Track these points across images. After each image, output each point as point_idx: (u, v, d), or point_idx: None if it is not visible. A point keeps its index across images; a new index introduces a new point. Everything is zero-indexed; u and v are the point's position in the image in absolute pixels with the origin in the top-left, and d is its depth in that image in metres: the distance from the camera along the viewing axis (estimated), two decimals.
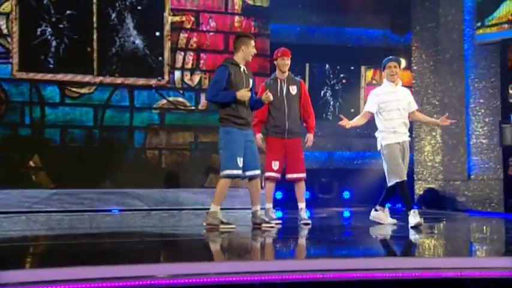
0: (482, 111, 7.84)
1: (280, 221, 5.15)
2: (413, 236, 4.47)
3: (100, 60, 7.08)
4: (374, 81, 8.61)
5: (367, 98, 5.27)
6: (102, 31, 7.10)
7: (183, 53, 7.40)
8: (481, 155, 7.80)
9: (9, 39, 6.80)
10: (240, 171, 4.74)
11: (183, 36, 7.42)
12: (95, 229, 5.39)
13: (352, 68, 8.59)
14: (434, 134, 8.24)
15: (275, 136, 5.15)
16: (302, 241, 4.47)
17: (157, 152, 7.28)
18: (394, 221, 5.20)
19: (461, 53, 7.92)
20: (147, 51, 7.30)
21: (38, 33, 6.91)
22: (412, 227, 4.79)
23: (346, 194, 8.41)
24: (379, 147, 5.12)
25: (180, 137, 7.29)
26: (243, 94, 4.70)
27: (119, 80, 7.15)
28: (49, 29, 6.96)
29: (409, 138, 5.14)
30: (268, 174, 5.18)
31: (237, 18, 7.63)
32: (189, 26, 7.43)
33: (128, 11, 7.23)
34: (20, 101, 6.84)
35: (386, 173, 5.06)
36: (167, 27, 7.37)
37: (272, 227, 4.86)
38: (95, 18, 7.08)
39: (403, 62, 8.47)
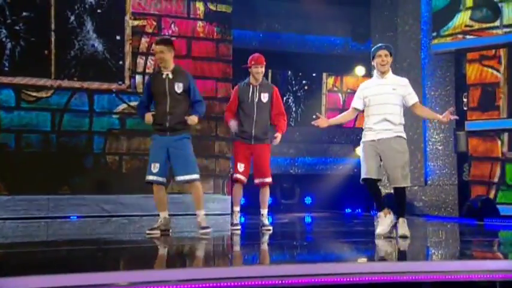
0: None
1: (239, 227, 5.13)
2: (373, 240, 4.52)
3: (58, 64, 6.91)
4: (335, 88, 8.74)
5: None
6: (60, 34, 6.93)
7: (144, 58, 7.31)
8: (437, 161, 8.02)
9: None
10: (155, 177, 4.72)
11: (144, 40, 7.33)
12: (51, 236, 5.23)
13: (314, 74, 8.70)
14: None
15: (242, 141, 5.14)
16: (264, 247, 4.46)
17: (117, 157, 7.14)
18: (385, 231, 4.51)
19: (418, 61, 8.14)
20: (107, 55, 7.17)
21: None
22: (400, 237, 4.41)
23: (308, 200, 8.48)
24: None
25: (142, 142, 7.18)
26: (147, 121, 4.72)
27: (77, 84, 6.99)
28: (4, 31, 6.75)
29: (395, 134, 4.45)
30: (234, 175, 5.18)
31: (199, 23, 7.60)
32: (150, 31, 7.35)
33: (87, 14, 7.09)
34: None
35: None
36: (128, 31, 7.26)
37: (207, 233, 4.75)
38: (52, 20, 6.91)
39: (361, 69, 8.68)
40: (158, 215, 4.92)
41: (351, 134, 8.74)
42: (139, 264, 3.58)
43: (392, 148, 4.44)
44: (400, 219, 4.47)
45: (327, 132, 8.58)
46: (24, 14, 6.82)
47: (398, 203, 4.48)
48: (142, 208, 6.99)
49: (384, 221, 4.49)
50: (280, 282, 2.88)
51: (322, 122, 4.76)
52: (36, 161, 6.71)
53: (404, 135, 4.53)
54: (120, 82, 7.21)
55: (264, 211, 5.17)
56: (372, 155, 4.48)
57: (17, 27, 6.79)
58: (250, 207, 7.68)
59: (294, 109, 8.64)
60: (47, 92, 6.88)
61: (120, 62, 7.20)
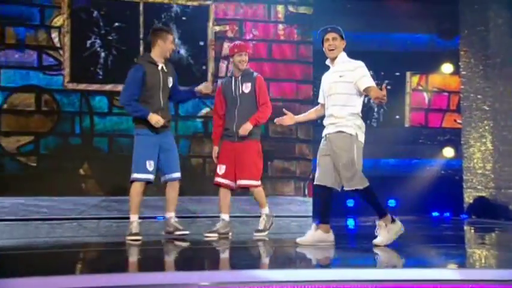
0: None
1: (216, 235, 4.73)
2: (463, 246, 4.32)
3: None
4: (420, 87, 8.42)
5: None
6: (148, 42, 7.26)
7: (226, 62, 7.48)
8: None
9: (61, 52, 7.08)
10: (149, 176, 4.50)
11: (226, 45, 7.51)
12: (143, 236, 5.50)
13: (397, 73, 8.44)
14: (484, 140, 7.97)
15: (226, 139, 4.77)
16: (352, 250, 4.39)
17: (201, 160, 7.38)
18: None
19: None
20: (191, 61, 7.42)
21: (88, 45, 7.16)
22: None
23: (392, 202, 8.24)
24: None
25: None
26: (157, 120, 4.40)
27: None
28: (98, 41, 7.20)
29: (336, 129, 4.02)
30: (215, 180, 4.82)
31: (280, 26, 7.66)
32: (232, 35, 7.52)
33: (173, 21, 7.39)
34: (70, 111, 7.09)
35: None
36: (211, 37, 7.48)
37: (185, 234, 4.57)
38: (141, 30, 7.27)
39: (448, 67, 8.28)
40: (244, 217, 4.92)
41: (438, 134, 8.39)
42: (221, 264, 3.67)
43: (335, 145, 3.99)
44: (377, 223, 4.10)
45: (411, 132, 8.30)
46: (116, 24, 7.24)
47: (322, 206, 4.05)
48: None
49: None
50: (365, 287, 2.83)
51: (288, 119, 4.36)
52: (127, 164, 7.07)
53: (349, 129, 3.98)
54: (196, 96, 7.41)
55: (263, 210, 4.76)
56: (322, 155, 4.07)
57: (110, 37, 7.22)
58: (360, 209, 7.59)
59: (375, 109, 8.44)
60: None
61: (204, 67, 7.43)
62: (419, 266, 3.57)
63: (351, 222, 7.02)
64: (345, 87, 4.04)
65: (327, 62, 4.21)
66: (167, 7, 7.37)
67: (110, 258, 3.94)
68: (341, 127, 4.01)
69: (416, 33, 8.35)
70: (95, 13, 7.20)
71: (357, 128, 4.05)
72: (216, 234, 4.75)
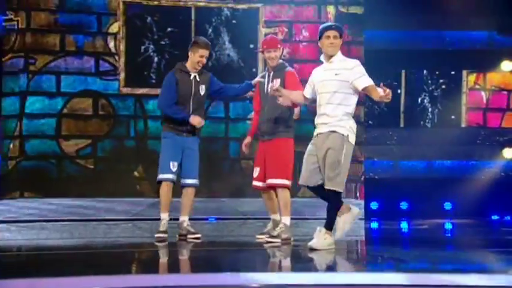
0: None
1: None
2: None
3: None
4: (477, 86, 8.13)
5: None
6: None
7: None
8: None
9: (116, 58, 7.33)
10: (173, 176, 4.66)
11: None
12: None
13: (452, 72, 8.18)
14: None
15: (258, 139, 4.71)
16: (404, 253, 4.29)
17: (252, 162, 7.42)
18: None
19: None
20: (242, 64, 7.49)
21: (142, 50, 7.37)
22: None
23: (448, 205, 8.00)
24: None
25: None
26: (199, 122, 4.66)
27: None
28: (151, 46, 7.39)
29: (329, 129, 3.98)
30: (252, 183, 4.73)
31: None
32: (282, 37, 7.52)
33: (223, 25, 7.48)
34: (125, 115, 7.32)
35: None
36: (261, 39, 7.51)
37: (197, 238, 4.63)
38: (193, 34, 7.41)
39: (508, 64, 7.94)
40: (296, 219, 4.88)
41: (497, 134, 8.07)
42: (272, 266, 3.68)
43: (325, 144, 3.96)
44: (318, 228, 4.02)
45: (468, 133, 8.03)
46: (168, 29, 7.41)
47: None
48: None
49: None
50: None
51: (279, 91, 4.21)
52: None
53: (341, 130, 3.93)
54: (253, 89, 7.46)
55: (283, 218, 4.50)
56: (308, 156, 4.07)
57: (163, 42, 7.39)
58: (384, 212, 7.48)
59: (430, 110, 8.21)
60: None
61: (254, 70, 7.47)
62: (478, 272, 3.44)
63: (404, 225, 6.87)
64: (340, 85, 3.96)
65: (322, 57, 4.12)
66: (218, 11, 7.48)
67: (163, 258, 4.03)
68: (334, 127, 3.98)
69: (473, 31, 8.06)
70: (149, 19, 7.40)
71: (349, 129, 4.01)
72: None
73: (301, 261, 3.94)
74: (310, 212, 6.63)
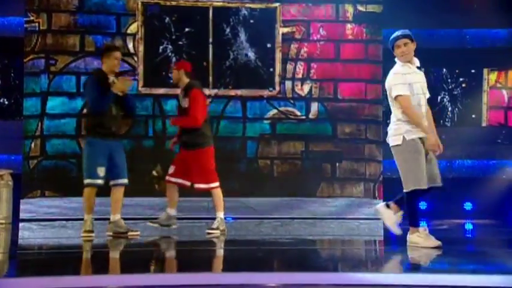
0: None
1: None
2: None
3: (215, 74, 7.42)
4: (498, 85, 8.00)
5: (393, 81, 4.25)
6: (217, 45, 7.43)
7: (293, 63, 7.48)
8: None
9: (135, 58, 7.39)
10: (99, 181, 4.79)
11: (293, 46, 7.51)
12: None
13: (472, 71, 8.07)
14: None
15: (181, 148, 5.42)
16: (426, 254, 4.25)
17: (269, 161, 7.43)
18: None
19: None
20: (259, 63, 7.49)
21: (160, 50, 7.42)
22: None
23: (468, 205, 7.89)
24: (396, 142, 4.22)
25: (291, 146, 7.36)
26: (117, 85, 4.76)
27: (232, 92, 7.43)
28: (169, 47, 7.44)
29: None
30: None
31: (348, 25, 7.55)
32: (299, 36, 7.50)
33: (241, 25, 7.49)
34: (144, 115, 7.38)
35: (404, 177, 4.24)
36: (278, 39, 7.51)
37: (138, 235, 4.84)
38: (210, 34, 7.43)
39: None
40: (306, 218, 4.95)
41: None
42: (291, 266, 3.69)
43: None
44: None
45: (489, 132, 7.91)
46: (186, 29, 7.45)
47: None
48: (293, 211, 7.17)
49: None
50: None
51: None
52: None
53: (391, 139, 4.21)
54: (270, 88, 7.49)
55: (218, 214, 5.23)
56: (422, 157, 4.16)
57: (180, 42, 7.44)
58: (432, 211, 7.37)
59: (450, 109, 8.11)
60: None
61: (271, 69, 7.47)
62: (497, 272, 3.39)
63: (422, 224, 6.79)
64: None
65: (400, 63, 4.30)
66: (235, 11, 7.49)
67: (183, 257, 4.06)
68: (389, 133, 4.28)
69: (493, 28, 7.93)
70: (167, 19, 7.45)
71: None
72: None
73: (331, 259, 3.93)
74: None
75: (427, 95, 4.29)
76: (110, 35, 7.38)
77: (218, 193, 5.27)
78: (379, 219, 5.09)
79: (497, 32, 7.97)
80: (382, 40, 7.50)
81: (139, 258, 3.99)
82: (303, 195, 7.28)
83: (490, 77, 7.97)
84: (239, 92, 7.43)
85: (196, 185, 5.29)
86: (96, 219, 5.08)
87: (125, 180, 5.02)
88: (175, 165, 5.37)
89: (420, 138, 4.13)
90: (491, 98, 7.99)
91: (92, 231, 4.92)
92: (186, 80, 5.28)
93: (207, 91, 7.40)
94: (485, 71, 8.00)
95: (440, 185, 4.19)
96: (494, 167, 7.85)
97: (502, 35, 7.98)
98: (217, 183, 5.33)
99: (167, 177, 5.35)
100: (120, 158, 4.95)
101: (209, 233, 5.16)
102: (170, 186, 5.40)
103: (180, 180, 5.31)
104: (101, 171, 4.85)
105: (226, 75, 7.45)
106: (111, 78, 4.94)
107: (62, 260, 3.89)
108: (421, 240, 4.16)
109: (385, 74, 7.51)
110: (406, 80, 4.20)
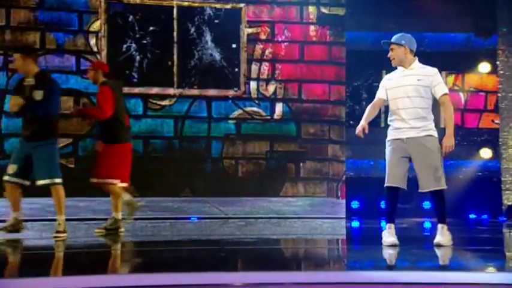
0: None
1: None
2: (502, 249, 4.23)
3: (180, 73, 7.38)
4: (456, 87, 8.27)
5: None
6: (182, 45, 7.40)
7: (258, 64, 7.53)
8: None
9: (98, 56, 7.27)
10: (7, 177, 4.78)
11: (258, 47, 7.55)
12: (176, 236, 5.61)
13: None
14: None
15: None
16: (390, 252, 4.36)
17: (233, 161, 7.45)
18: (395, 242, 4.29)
19: None
20: (224, 63, 7.50)
21: (124, 49, 7.33)
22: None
23: (427, 204, 8.11)
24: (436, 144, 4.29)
25: (256, 146, 7.41)
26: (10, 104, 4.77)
27: (197, 92, 7.41)
28: (133, 45, 7.35)
29: (425, 133, 4.35)
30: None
31: (312, 27, 7.65)
32: (264, 37, 7.56)
33: (206, 25, 7.48)
34: None
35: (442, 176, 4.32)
36: (243, 39, 7.54)
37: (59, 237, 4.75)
38: (175, 33, 7.39)
39: (485, 66, 8.10)
40: (271, 218, 4.97)
41: (475, 134, 8.23)
42: (256, 265, 3.72)
43: (424, 147, 4.32)
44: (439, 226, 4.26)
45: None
46: (150, 28, 7.38)
47: (435, 208, 4.31)
48: (259, 210, 7.22)
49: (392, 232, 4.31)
50: None
51: (364, 129, 4.36)
52: (162, 165, 7.23)
53: (435, 132, 4.32)
54: (236, 89, 7.51)
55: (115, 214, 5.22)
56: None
57: (144, 41, 7.36)
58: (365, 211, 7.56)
59: None
60: (170, 100, 7.38)
61: (236, 69, 7.50)
62: (456, 269, 3.52)
63: (384, 224, 6.95)
64: (423, 91, 4.28)
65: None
66: (200, 10, 7.48)
67: (146, 258, 4.03)
68: (428, 131, 4.27)
69: (451, 32, 8.20)
70: (131, 17, 7.36)
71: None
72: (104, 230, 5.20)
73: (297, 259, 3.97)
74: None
75: (438, 94, 4.30)
76: (71, 32, 7.24)
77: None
78: (341, 218, 5.21)
79: (455, 36, 8.24)
80: (345, 42, 7.64)
81: (88, 260, 3.93)
82: (267, 194, 7.34)
83: (448, 80, 8.23)
84: (204, 91, 7.42)
85: (92, 179, 5.25)
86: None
87: (43, 181, 4.83)
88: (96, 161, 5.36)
89: (397, 139, 4.29)
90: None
91: (11, 230, 4.83)
92: (102, 79, 5.37)
93: (171, 91, 7.38)
94: (443, 74, 8.24)
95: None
96: (451, 167, 8.10)
97: (459, 39, 8.26)
98: (114, 180, 5.25)
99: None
100: (38, 160, 4.81)
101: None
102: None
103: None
104: (12, 168, 4.81)
105: (191, 74, 7.43)
106: (28, 80, 4.89)
107: (22, 262, 3.80)
108: (384, 237, 4.32)
109: (348, 75, 7.75)
110: (385, 85, 4.40)
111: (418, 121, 4.27)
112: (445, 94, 4.33)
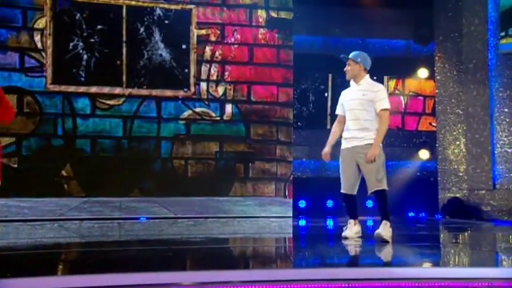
0: (507, 120, 7.82)
1: None
2: (438, 245, 4.49)
3: (129, 73, 7.33)
4: (397, 91, 8.64)
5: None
6: (130, 44, 7.35)
7: (208, 65, 7.59)
8: (506, 164, 7.77)
9: (43, 54, 7.11)
10: None
11: (208, 48, 7.62)
12: (123, 236, 5.58)
13: (374, 78, 8.57)
14: (458, 143, 8.23)
15: None
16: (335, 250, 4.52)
17: (183, 161, 7.48)
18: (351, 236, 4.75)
19: (485, 62, 7.92)
20: (174, 64, 7.51)
21: (70, 47, 7.20)
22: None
23: (369, 203, 8.43)
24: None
25: (206, 146, 7.47)
26: None
27: (146, 92, 7.39)
28: (81, 44, 7.24)
29: (366, 142, 4.65)
30: None
31: (261, 30, 7.80)
32: (214, 39, 7.63)
33: (155, 25, 7.47)
34: (53, 113, 7.11)
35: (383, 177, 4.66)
36: (193, 41, 7.58)
37: None
38: (124, 33, 7.33)
39: (423, 72, 8.52)
40: (220, 217, 4.96)
41: (414, 136, 8.62)
42: (204, 264, 3.78)
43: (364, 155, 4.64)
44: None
45: (388, 135, 8.39)
46: (98, 27, 7.29)
47: (379, 207, 4.68)
48: (207, 210, 7.28)
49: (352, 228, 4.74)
50: (346, 285, 2.96)
51: (327, 154, 4.82)
52: (110, 165, 7.15)
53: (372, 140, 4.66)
54: (185, 89, 7.54)
55: None
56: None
57: (92, 40, 7.26)
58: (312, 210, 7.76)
59: None
60: (119, 100, 7.32)
61: (186, 70, 7.53)
62: (395, 265, 3.71)
63: (329, 223, 7.20)
64: (367, 104, 4.65)
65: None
66: (150, 10, 7.45)
67: (92, 259, 4.01)
68: (369, 140, 4.61)
69: (393, 39, 8.57)
70: (78, 16, 7.24)
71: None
72: None
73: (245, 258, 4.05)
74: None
75: (378, 108, 4.62)
76: (15, 29, 7.04)
77: None
78: (289, 217, 5.35)
79: (396, 43, 8.62)
80: (293, 46, 7.84)
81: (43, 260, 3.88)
82: (216, 194, 7.41)
83: (390, 84, 8.59)
84: (153, 92, 7.41)
85: None
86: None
87: None
88: None
89: (345, 149, 4.70)
90: (390, 104, 8.58)
91: None
92: None
93: (120, 90, 7.31)
94: (385, 78, 8.61)
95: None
96: (392, 167, 8.46)
97: (400, 45, 8.64)
98: None
99: None
100: None
101: None
102: None
103: None
104: None
105: (141, 74, 7.39)
106: None
107: None
108: (343, 232, 4.80)
109: (296, 78, 7.95)
110: (341, 100, 4.86)
111: (361, 132, 4.63)
112: (384, 109, 4.67)
